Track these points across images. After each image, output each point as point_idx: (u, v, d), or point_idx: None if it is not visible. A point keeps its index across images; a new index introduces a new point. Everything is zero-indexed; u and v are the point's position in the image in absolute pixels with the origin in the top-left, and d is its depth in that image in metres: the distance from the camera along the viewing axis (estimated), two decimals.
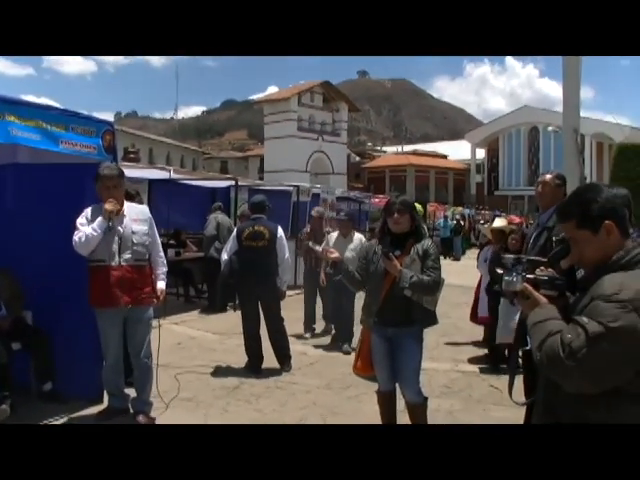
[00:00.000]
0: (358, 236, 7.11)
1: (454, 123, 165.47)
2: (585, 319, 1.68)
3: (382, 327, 3.68)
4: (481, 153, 51.47)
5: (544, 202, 3.93)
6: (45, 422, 4.24)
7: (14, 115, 3.66)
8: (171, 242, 10.60)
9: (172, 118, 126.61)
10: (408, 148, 61.15)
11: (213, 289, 9.23)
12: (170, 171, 10.03)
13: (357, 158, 54.42)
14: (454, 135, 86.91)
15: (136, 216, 4.37)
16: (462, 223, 25.36)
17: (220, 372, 5.91)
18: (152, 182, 10.17)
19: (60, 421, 4.31)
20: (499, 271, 2.06)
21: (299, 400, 5.11)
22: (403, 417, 3.89)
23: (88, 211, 4.19)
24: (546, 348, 1.73)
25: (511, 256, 2.13)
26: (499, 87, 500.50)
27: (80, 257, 4.19)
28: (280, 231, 5.99)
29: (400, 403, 3.88)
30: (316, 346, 7.17)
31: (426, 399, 3.82)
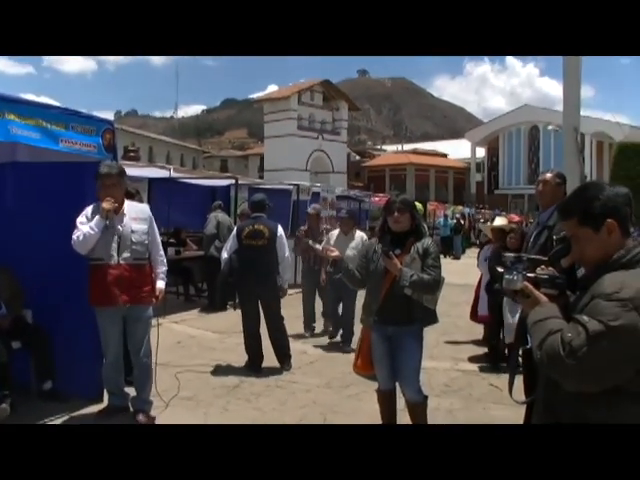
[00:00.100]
0: (359, 234, 7.10)
1: (454, 122, 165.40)
2: (585, 318, 1.68)
3: (382, 326, 3.68)
4: (481, 152, 51.48)
5: (544, 201, 3.92)
6: (45, 421, 4.24)
7: (14, 113, 3.65)
8: (171, 241, 10.60)
9: (172, 117, 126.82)
10: (408, 147, 61.15)
11: (213, 288, 9.22)
12: (170, 170, 10.01)
13: (357, 157, 54.44)
14: (454, 134, 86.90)
15: (136, 215, 4.37)
16: (462, 222, 25.39)
17: (220, 371, 5.91)
18: (152, 181, 10.17)
19: (60, 420, 4.31)
20: (500, 270, 2.05)
21: (299, 399, 5.11)
22: (403, 416, 3.89)
23: (88, 210, 4.19)
24: (546, 347, 1.73)
25: (511, 255, 2.13)
26: (499, 86, 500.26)
27: (80, 256, 4.19)
28: (280, 230, 5.99)
29: (400, 402, 3.88)
30: (316, 345, 7.17)
31: (426, 398, 3.82)
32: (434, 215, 25.00)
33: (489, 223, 9.10)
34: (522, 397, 2.82)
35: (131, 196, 5.23)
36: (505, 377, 2.57)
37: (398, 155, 54.67)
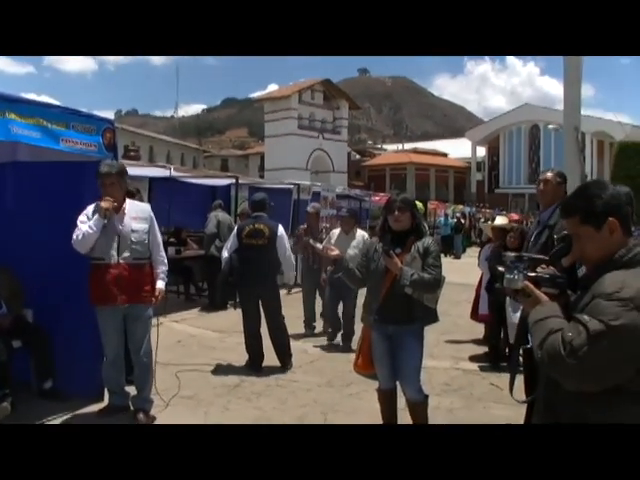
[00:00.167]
0: (361, 233, 7.08)
1: (454, 121, 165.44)
2: (586, 317, 1.68)
3: (383, 325, 3.68)
4: (482, 151, 51.44)
5: (545, 200, 3.92)
6: (46, 420, 4.24)
7: (14, 113, 3.65)
8: (171, 240, 10.60)
9: (172, 116, 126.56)
10: (408, 146, 61.09)
11: (213, 287, 9.23)
12: (170, 169, 10.01)
13: (357, 156, 54.40)
14: (454, 133, 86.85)
15: (136, 214, 4.36)
16: (462, 221, 25.38)
17: (220, 370, 5.91)
18: (152, 180, 10.17)
19: (61, 419, 4.31)
20: (500, 269, 2.05)
21: (299, 398, 5.11)
22: (404, 415, 3.89)
23: (89, 209, 4.19)
24: (547, 346, 1.73)
25: (512, 254, 2.12)
26: (500, 85, 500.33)
27: (81, 255, 4.19)
28: (280, 229, 5.99)
29: (401, 401, 3.88)
30: (316, 344, 7.17)
31: (427, 397, 3.82)
32: (434, 214, 24.98)
33: (490, 222, 9.10)
34: (523, 396, 2.82)
35: (131, 195, 5.22)
36: (505, 376, 2.57)
37: (398, 154, 54.64)
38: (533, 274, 2.00)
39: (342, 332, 7.06)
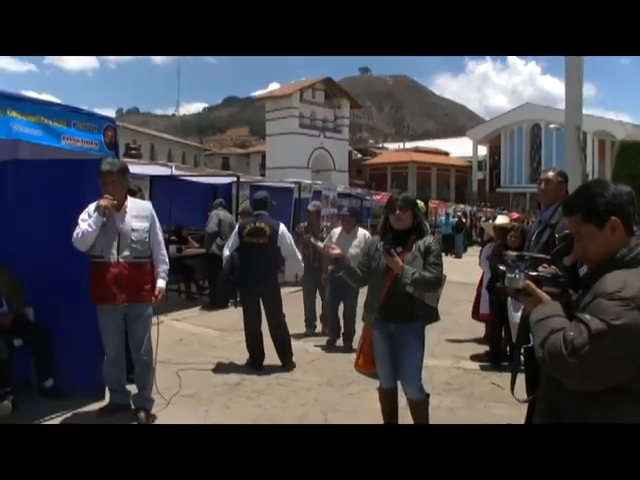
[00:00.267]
0: (362, 232, 7.07)
1: (456, 120, 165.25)
2: (588, 316, 1.68)
3: (384, 324, 3.68)
4: (483, 150, 51.45)
5: (547, 199, 3.92)
6: (46, 418, 4.24)
7: (16, 111, 3.65)
8: (172, 238, 10.60)
9: (174, 115, 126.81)
10: (410, 145, 61.18)
11: (214, 285, 9.23)
12: (172, 167, 9.99)
13: (359, 155, 54.44)
14: (456, 132, 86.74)
15: (137, 212, 4.36)
16: (464, 220, 25.38)
17: (221, 368, 5.91)
18: (153, 178, 10.17)
19: (61, 417, 4.32)
20: (502, 268, 2.05)
21: (300, 397, 5.11)
22: (405, 414, 3.89)
23: (91, 207, 4.19)
24: (548, 345, 1.73)
25: (514, 253, 2.12)
26: (501, 84, 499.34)
27: (81, 254, 4.19)
28: (282, 227, 5.98)
29: (402, 400, 3.88)
30: (317, 343, 7.16)
31: (428, 396, 3.82)
32: (436, 213, 25.00)
33: (491, 221, 9.10)
34: (524, 396, 2.82)
35: (133, 193, 5.22)
36: (506, 375, 2.57)
37: (400, 153, 54.69)
38: (534, 273, 1.99)
39: (343, 332, 7.05)
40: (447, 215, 24.63)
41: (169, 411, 4.55)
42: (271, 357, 5.99)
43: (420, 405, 3.76)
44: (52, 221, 4.50)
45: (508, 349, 6.01)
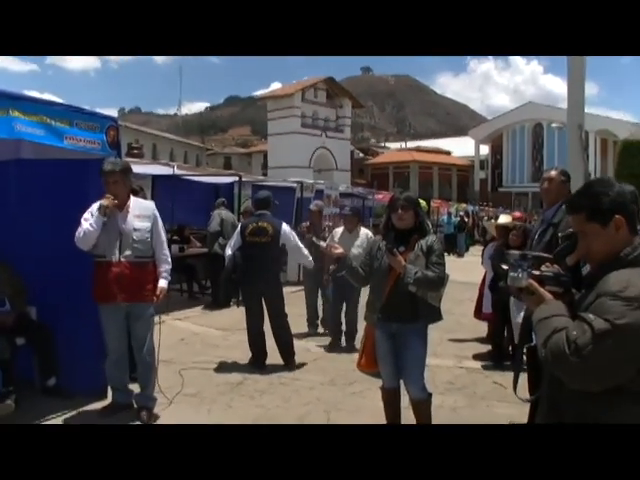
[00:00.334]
0: (364, 231, 7.04)
1: (457, 119, 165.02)
2: (591, 316, 1.67)
3: (386, 323, 3.68)
4: (485, 149, 51.38)
5: (549, 198, 3.91)
6: (49, 417, 4.25)
7: (18, 110, 3.66)
8: (175, 238, 10.61)
9: (176, 114, 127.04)
10: (411, 144, 61.12)
11: (216, 285, 9.23)
12: (174, 167, 10.00)
13: (360, 154, 54.37)
14: (457, 131, 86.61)
15: (139, 212, 4.36)
16: (466, 220, 25.38)
17: (224, 368, 5.92)
18: (155, 178, 10.19)
19: (64, 416, 4.33)
20: (504, 267, 2.05)
21: (303, 396, 5.11)
22: (407, 413, 3.89)
23: (94, 206, 4.19)
24: (551, 345, 1.72)
25: (517, 252, 2.11)
26: (503, 83, 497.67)
27: (83, 253, 4.20)
28: (284, 226, 5.98)
29: (404, 399, 3.88)
30: (319, 343, 7.16)
31: (430, 395, 3.81)
32: (438, 213, 24.98)
33: (493, 221, 9.09)
34: (526, 395, 2.82)
35: (135, 193, 5.22)
36: (509, 375, 2.57)
37: (401, 152, 54.65)
38: (537, 272, 1.99)
39: (345, 331, 7.04)
40: (449, 214, 24.62)
41: (171, 410, 4.56)
42: (273, 356, 5.99)
43: (423, 404, 3.76)
44: (54, 221, 4.51)
45: (510, 348, 6.00)
